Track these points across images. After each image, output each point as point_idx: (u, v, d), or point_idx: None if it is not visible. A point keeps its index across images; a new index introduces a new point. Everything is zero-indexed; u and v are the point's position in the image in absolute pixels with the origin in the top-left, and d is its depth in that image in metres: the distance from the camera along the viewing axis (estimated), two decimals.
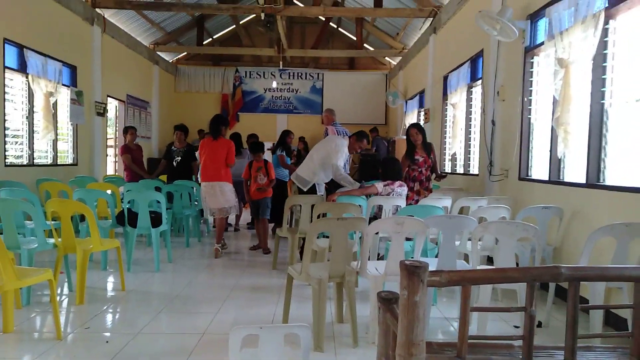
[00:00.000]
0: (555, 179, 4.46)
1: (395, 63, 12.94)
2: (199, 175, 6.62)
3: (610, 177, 3.74)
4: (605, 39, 3.71)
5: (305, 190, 5.44)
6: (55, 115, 7.21)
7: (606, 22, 3.65)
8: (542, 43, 4.50)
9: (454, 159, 7.71)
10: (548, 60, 4.34)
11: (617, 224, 2.98)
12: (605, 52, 3.71)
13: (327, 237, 4.11)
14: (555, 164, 4.45)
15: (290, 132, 7.58)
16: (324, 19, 11.99)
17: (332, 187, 6.00)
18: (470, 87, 6.90)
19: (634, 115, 3.47)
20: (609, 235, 2.98)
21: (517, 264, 3.80)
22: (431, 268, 3.19)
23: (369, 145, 5.30)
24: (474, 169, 6.70)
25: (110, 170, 9.83)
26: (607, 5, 3.58)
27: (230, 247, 6.32)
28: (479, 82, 6.43)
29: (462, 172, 7.27)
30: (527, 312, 1.57)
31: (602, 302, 2.91)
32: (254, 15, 11.29)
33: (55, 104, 7.15)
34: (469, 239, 3.72)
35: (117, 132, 10.32)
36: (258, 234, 6.17)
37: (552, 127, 4.26)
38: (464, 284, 1.52)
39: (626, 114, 3.62)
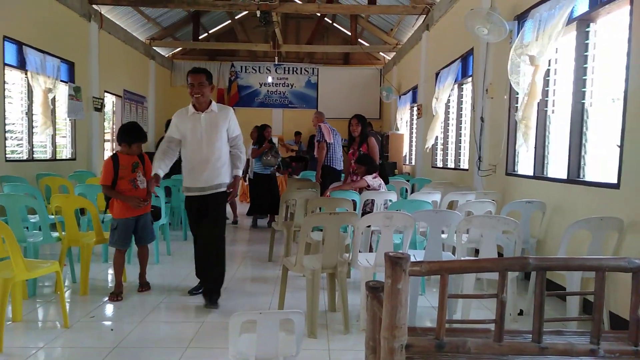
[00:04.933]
0: (539, 175, 4.64)
1: (389, 58, 13.07)
2: None
3: (590, 174, 3.93)
4: (587, 42, 3.89)
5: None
6: (53, 111, 7.33)
7: (587, 25, 3.83)
8: (527, 43, 4.67)
9: (444, 153, 7.89)
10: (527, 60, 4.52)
11: (592, 218, 3.17)
12: (586, 54, 3.89)
13: (321, 230, 4.28)
14: (540, 160, 4.64)
15: (267, 125, 7.80)
16: (319, 14, 12.10)
17: (326, 181, 6.17)
18: (461, 84, 7.07)
19: (611, 114, 3.65)
20: (584, 228, 3.17)
21: (502, 255, 3.99)
22: (419, 259, 3.36)
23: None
24: (464, 163, 6.88)
25: None
26: (588, 9, 3.75)
27: (227, 239, 6.46)
28: (470, 79, 6.60)
29: (452, 166, 7.45)
30: (499, 298, 1.74)
31: (578, 290, 3.11)
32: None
33: (53, 100, 7.27)
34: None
35: (114, 127, 10.42)
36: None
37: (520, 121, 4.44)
38: (442, 273, 1.69)
39: (605, 113, 3.81)
